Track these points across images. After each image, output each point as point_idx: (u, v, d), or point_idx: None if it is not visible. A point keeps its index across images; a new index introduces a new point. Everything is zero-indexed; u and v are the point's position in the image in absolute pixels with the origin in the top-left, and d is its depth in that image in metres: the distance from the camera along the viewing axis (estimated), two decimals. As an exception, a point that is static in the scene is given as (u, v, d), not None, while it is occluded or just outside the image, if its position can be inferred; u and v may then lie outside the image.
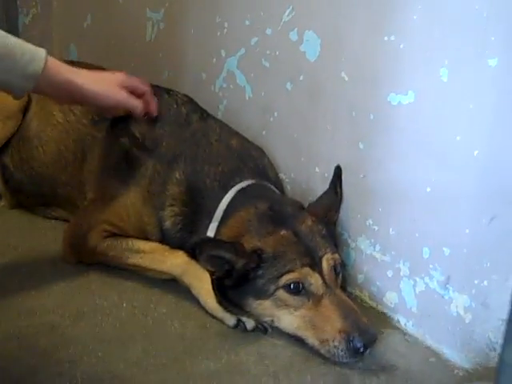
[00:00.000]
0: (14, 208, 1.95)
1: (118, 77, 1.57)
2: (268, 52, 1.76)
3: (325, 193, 1.61)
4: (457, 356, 1.43)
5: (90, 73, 1.50)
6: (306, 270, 1.42)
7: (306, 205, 1.61)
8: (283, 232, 1.47)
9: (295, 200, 1.60)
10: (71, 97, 1.46)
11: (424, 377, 1.39)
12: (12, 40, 1.34)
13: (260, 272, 1.43)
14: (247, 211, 1.51)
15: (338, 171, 1.61)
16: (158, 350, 1.39)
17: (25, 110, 1.90)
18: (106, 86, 1.51)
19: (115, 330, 1.44)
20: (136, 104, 1.59)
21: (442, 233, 1.42)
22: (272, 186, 1.64)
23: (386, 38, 1.46)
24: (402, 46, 1.43)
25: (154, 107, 1.66)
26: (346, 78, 1.56)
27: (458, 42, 1.32)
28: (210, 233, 1.53)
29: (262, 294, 1.44)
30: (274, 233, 1.46)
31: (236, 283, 1.45)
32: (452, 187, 1.38)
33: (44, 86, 1.38)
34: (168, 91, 1.78)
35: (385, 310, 1.59)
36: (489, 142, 1.30)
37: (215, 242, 1.48)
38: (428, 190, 1.42)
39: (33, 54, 1.35)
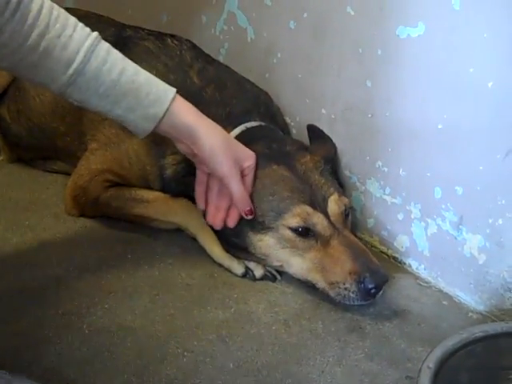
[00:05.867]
0: (13, 162, 1.90)
1: (243, 157, 1.38)
2: (270, -10, 1.69)
3: (315, 142, 1.59)
4: (470, 298, 1.40)
5: (216, 134, 1.35)
6: (305, 207, 1.37)
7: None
8: (274, 167, 1.42)
9: (298, 141, 1.55)
10: (190, 143, 1.34)
11: (437, 320, 1.37)
12: (142, 78, 1.25)
13: None
14: None
15: (311, 127, 1.61)
16: (165, 300, 1.37)
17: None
18: (224, 154, 1.34)
19: (121, 281, 1.41)
20: (237, 190, 1.37)
21: (454, 171, 1.37)
22: (279, 130, 1.59)
23: (392, -32, 1.38)
24: (409, -25, 1.36)
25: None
26: (352, 13, 1.49)
27: (470, -34, 1.25)
28: None
29: (259, 227, 1.40)
30: (264, 168, 1.42)
31: None
32: (465, 122, 1.33)
33: (165, 128, 1.30)
34: (172, 36, 1.71)
35: (396, 255, 1.55)
36: (504, 73, 1.23)
37: None
38: (439, 126, 1.37)
39: (159, 96, 1.26)
